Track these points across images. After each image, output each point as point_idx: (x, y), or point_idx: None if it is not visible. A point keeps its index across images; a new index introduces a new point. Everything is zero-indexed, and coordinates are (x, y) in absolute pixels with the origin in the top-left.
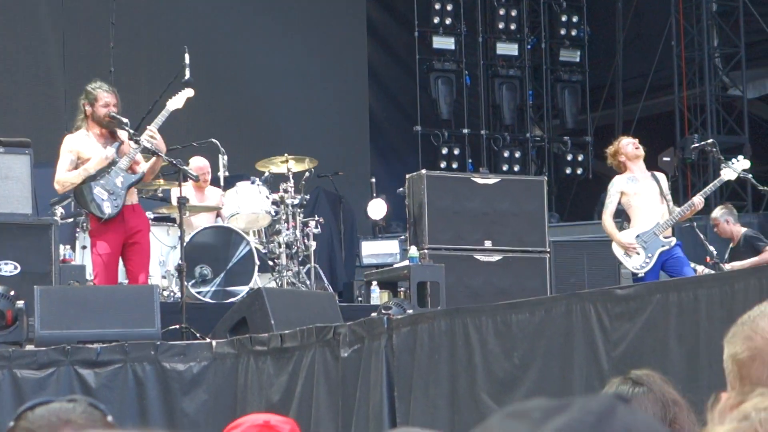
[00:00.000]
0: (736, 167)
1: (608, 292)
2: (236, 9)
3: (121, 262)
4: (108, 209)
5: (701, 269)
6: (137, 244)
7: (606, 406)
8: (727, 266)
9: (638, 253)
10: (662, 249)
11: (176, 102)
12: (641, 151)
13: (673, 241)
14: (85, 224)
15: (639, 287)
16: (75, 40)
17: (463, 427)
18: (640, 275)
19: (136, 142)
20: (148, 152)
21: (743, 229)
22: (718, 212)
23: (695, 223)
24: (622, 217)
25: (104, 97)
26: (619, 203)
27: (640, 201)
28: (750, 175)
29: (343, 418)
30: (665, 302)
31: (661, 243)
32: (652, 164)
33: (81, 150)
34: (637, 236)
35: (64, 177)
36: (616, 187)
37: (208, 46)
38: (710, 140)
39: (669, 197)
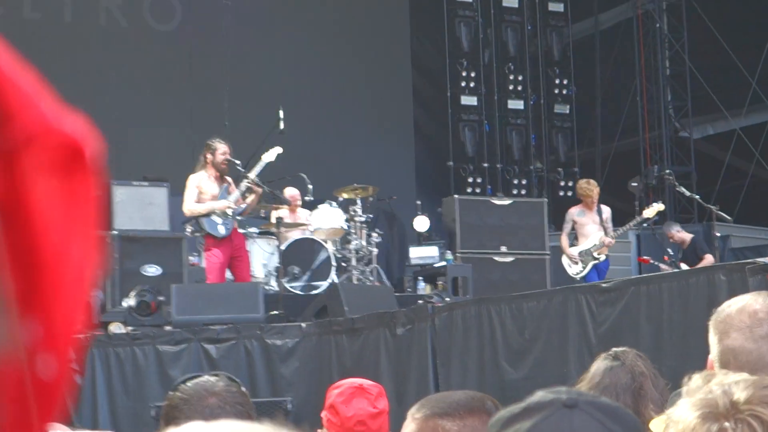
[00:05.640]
0: (653, 209)
1: (595, 285)
2: (316, 81)
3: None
4: (222, 231)
5: (663, 267)
6: (242, 258)
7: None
8: (682, 265)
9: (577, 263)
10: (594, 262)
11: (269, 156)
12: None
13: (602, 258)
14: (201, 242)
15: (618, 282)
16: (200, 102)
17: (488, 386)
18: (577, 280)
19: (244, 179)
20: (249, 192)
21: (690, 236)
22: (669, 226)
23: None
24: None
25: (221, 147)
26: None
27: (584, 230)
28: (697, 196)
29: (398, 381)
30: (637, 293)
31: (593, 257)
32: (623, 189)
33: (201, 186)
34: (580, 252)
35: (193, 207)
36: (570, 216)
37: (297, 104)
38: (667, 170)
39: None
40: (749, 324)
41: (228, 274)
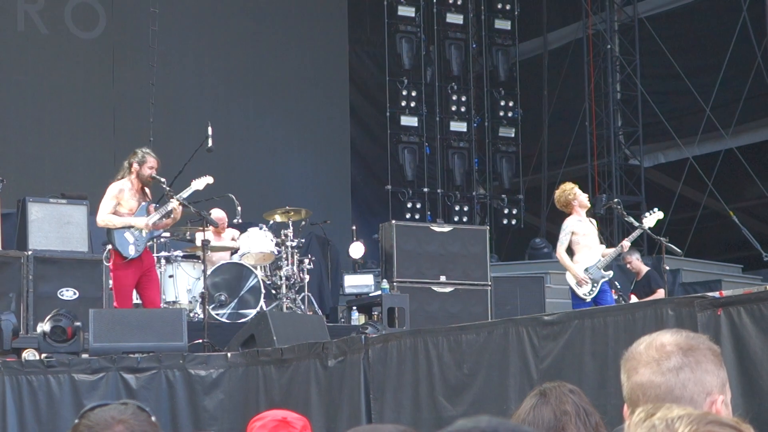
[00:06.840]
0: (653, 217)
1: (537, 318)
2: (247, 96)
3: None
4: (132, 252)
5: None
6: (151, 277)
7: None
8: (633, 297)
9: (587, 283)
10: (603, 279)
11: (199, 183)
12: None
13: (611, 273)
14: (107, 256)
15: (561, 314)
16: (123, 116)
17: (424, 422)
18: (587, 300)
19: (169, 200)
20: (168, 215)
21: (646, 268)
22: (630, 252)
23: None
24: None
25: (151, 161)
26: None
27: (587, 240)
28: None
29: (329, 416)
30: (581, 327)
31: (602, 275)
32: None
33: (121, 199)
34: (586, 269)
35: (108, 219)
36: (569, 227)
37: (227, 120)
38: (615, 199)
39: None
40: (657, 358)
41: (136, 299)
